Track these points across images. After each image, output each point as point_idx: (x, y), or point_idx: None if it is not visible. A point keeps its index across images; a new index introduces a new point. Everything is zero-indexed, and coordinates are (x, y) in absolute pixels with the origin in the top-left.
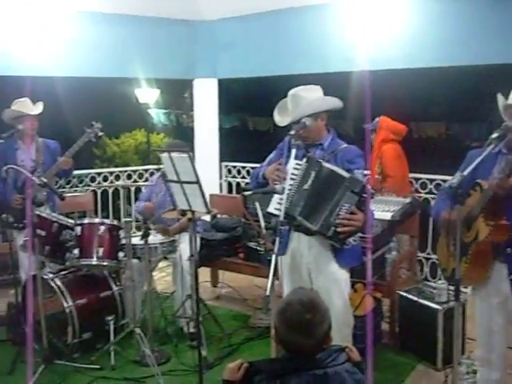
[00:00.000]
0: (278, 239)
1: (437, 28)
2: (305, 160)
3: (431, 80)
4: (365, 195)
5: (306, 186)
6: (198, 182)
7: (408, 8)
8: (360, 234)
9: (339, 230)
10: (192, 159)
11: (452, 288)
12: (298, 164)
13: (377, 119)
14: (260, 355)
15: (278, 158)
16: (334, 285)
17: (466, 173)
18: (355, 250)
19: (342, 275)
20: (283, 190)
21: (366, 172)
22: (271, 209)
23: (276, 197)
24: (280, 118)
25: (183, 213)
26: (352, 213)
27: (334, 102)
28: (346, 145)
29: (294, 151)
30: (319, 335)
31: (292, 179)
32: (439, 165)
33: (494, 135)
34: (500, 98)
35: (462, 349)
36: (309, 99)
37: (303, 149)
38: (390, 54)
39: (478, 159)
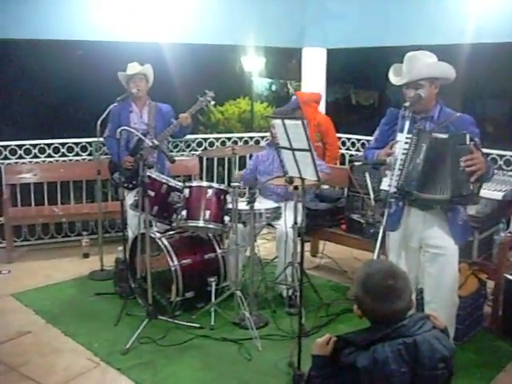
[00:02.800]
0: (387, 211)
1: None
2: (415, 132)
3: None
4: (474, 141)
5: (418, 160)
6: (310, 150)
7: None
8: (470, 213)
9: (467, 169)
10: (305, 126)
11: None
12: (408, 138)
13: (294, 97)
14: (357, 327)
15: (387, 132)
16: (446, 260)
17: None
18: (467, 226)
19: (455, 251)
20: (395, 162)
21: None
22: (384, 186)
23: (389, 174)
24: (396, 78)
25: (291, 180)
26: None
27: (451, 71)
28: (457, 114)
29: (407, 123)
30: (404, 299)
31: (404, 154)
32: None
33: None
34: None
35: None
36: (427, 62)
37: (412, 122)
38: (501, 25)
39: None
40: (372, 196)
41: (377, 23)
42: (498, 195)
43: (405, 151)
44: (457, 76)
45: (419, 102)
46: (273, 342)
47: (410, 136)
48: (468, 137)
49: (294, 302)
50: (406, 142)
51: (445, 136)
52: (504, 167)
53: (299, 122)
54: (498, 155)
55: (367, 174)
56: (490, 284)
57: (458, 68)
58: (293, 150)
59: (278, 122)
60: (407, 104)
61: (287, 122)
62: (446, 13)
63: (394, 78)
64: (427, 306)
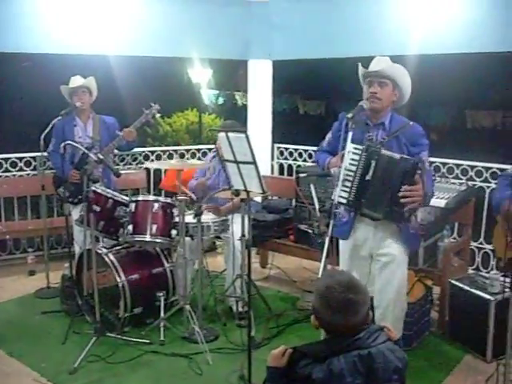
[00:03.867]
0: (332, 222)
1: (494, 11)
2: (364, 148)
3: (490, 66)
4: (419, 171)
5: (367, 177)
6: (254, 163)
7: None
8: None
9: (402, 200)
10: (249, 139)
11: (507, 279)
12: (356, 148)
13: None
14: (308, 337)
15: (340, 138)
16: (396, 267)
17: None
18: (417, 235)
19: (405, 258)
20: (339, 173)
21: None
22: (336, 197)
23: (340, 184)
24: (363, 70)
25: (237, 193)
26: (411, 185)
27: (409, 92)
28: (410, 122)
29: (350, 134)
30: (363, 313)
31: (351, 164)
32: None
33: None
34: None
35: None
36: (393, 64)
37: (362, 130)
38: (444, 37)
39: None
40: (317, 207)
41: (321, 35)
42: (441, 203)
43: (353, 162)
44: None
45: (374, 102)
46: (224, 356)
47: (359, 147)
48: (418, 165)
49: (244, 315)
50: (354, 153)
51: (396, 156)
52: (447, 175)
53: (243, 135)
54: (440, 163)
55: (312, 185)
56: (437, 290)
57: None
58: (237, 162)
59: (222, 135)
60: (350, 115)
61: (231, 135)
62: (388, 25)
63: (361, 70)
64: (377, 311)
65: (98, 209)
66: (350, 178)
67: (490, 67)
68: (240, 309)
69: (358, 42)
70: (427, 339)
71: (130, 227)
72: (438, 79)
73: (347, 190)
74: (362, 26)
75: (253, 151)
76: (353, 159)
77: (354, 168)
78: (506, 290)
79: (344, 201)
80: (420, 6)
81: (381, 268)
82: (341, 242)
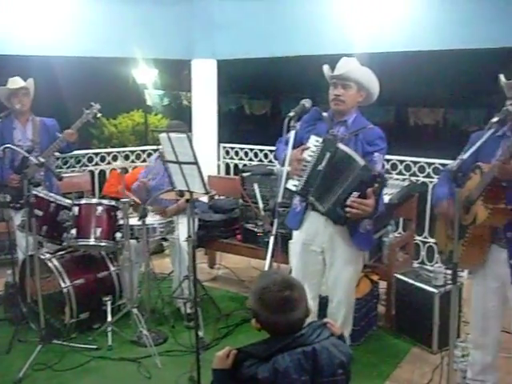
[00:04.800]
0: (276, 221)
1: (438, 10)
2: (322, 140)
3: (432, 64)
4: (376, 184)
5: (320, 167)
6: (196, 163)
7: None
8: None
9: (348, 215)
10: (191, 139)
11: (449, 271)
12: (317, 141)
13: None
14: (257, 336)
15: (304, 130)
16: (347, 265)
17: (465, 156)
18: (369, 235)
19: (358, 257)
20: (281, 172)
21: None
22: (289, 185)
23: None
24: (328, 71)
25: (181, 194)
26: (364, 197)
27: (377, 91)
28: (370, 125)
29: (292, 133)
30: (301, 309)
31: (310, 156)
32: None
33: (494, 119)
34: (501, 77)
35: (458, 332)
36: (360, 67)
37: (326, 125)
38: (387, 36)
39: (478, 143)
40: (261, 206)
41: (265, 34)
42: (385, 199)
43: (311, 153)
44: None
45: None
46: (173, 358)
47: (318, 139)
48: (376, 179)
49: (193, 316)
50: (315, 145)
51: (359, 161)
52: (391, 171)
53: (184, 136)
54: (384, 159)
55: (255, 185)
56: (383, 284)
57: None
58: (179, 163)
59: (163, 135)
60: (291, 114)
61: (172, 135)
62: (331, 24)
63: (327, 71)
64: (330, 306)
65: (40, 213)
66: (305, 168)
67: (431, 65)
68: (188, 310)
69: (301, 41)
70: (375, 333)
71: (74, 231)
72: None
73: (299, 178)
74: (306, 24)
75: (194, 151)
76: (312, 151)
77: (310, 159)
78: (449, 282)
79: (294, 188)
80: (361, 4)
81: (330, 265)
82: (293, 236)
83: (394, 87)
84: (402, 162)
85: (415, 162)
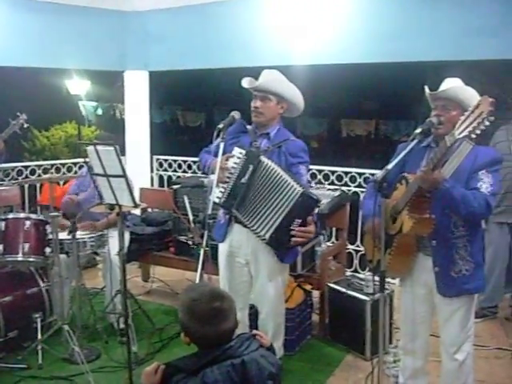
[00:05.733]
0: (206, 233)
1: (369, 24)
2: (245, 152)
3: (364, 76)
4: (316, 208)
5: (243, 180)
6: (124, 176)
7: (342, 3)
8: None
9: (292, 243)
10: (118, 152)
11: (377, 279)
12: (240, 153)
13: None
14: (191, 349)
15: (228, 142)
16: (271, 277)
17: (389, 167)
18: (293, 248)
19: (282, 269)
20: (211, 183)
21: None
22: (213, 198)
23: (217, 186)
24: (247, 84)
25: (112, 207)
26: (304, 224)
27: (300, 99)
28: (292, 138)
29: (222, 145)
30: (232, 319)
31: (233, 167)
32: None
33: (418, 130)
34: (426, 89)
35: (390, 338)
36: (280, 79)
37: (250, 138)
38: (321, 48)
39: (402, 154)
40: (191, 218)
41: (198, 46)
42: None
43: (235, 165)
44: None
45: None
46: (106, 375)
47: (242, 151)
48: (317, 204)
49: (126, 331)
50: (238, 157)
51: (297, 187)
52: (323, 181)
53: (112, 149)
54: (317, 170)
55: (185, 197)
56: (317, 294)
57: None
58: (107, 176)
59: (90, 148)
60: (220, 126)
61: (100, 148)
62: (265, 36)
63: (246, 83)
64: (260, 317)
65: None
66: (228, 180)
67: (363, 78)
68: (121, 325)
69: (235, 53)
70: (309, 343)
71: (1, 247)
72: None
73: (223, 190)
74: (239, 37)
75: (122, 164)
76: (235, 163)
77: (233, 171)
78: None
79: (217, 200)
80: (295, 18)
81: (255, 277)
82: (219, 248)
83: (328, 99)
84: (333, 172)
85: (346, 173)
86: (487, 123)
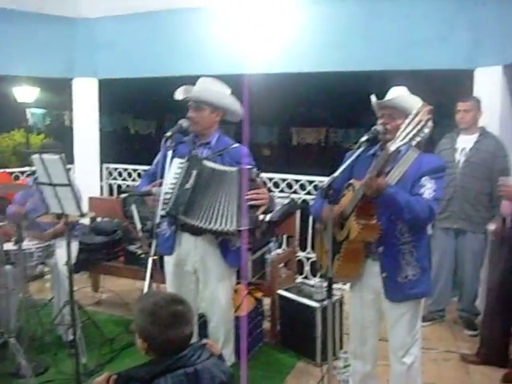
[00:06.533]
0: (154, 242)
1: (317, 33)
2: (186, 159)
3: (313, 85)
4: (260, 177)
5: (188, 186)
6: (70, 185)
7: (289, 12)
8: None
9: (251, 203)
10: (64, 161)
11: (327, 284)
12: (180, 163)
13: None
14: (142, 360)
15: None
16: (221, 283)
17: (336, 174)
18: (239, 252)
19: (230, 274)
20: (159, 192)
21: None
22: (160, 211)
23: (162, 198)
24: (181, 95)
25: (59, 216)
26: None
27: (235, 106)
28: (235, 144)
29: (170, 153)
30: (193, 323)
31: (175, 178)
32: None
33: (364, 138)
34: (373, 98)
35: (341, 344)
36: (213, 89)
37: (188, 148)
38: (271, 57)
39: (348, 161)
40: (139, 227)
41: (147, 54)
42: (266, 217)
43: (176, 175)
44: None
45: (193, 126)
46: None
47: (182, 161)
48: (255, 172)
49: (75, 342)
50: (179, 167)
51: (232, 169)
52: (273, 189)
53: (57, 157)
54: (267, 178)
55: (133, 206)
56: (268, 301)
57: None
58: (53, 185)
59: (35, 157)
60: (168, 133)
61: (45, 157)
62: (215, 44)
63: (180, 94)
64: (210, 325)
65: None
66: (171, 190)
67: (313, 86)
68: (70, 337)
69: (185, 62)
70: (261, 350)
71: None
72: (264, 98)
73: (167, 201)
74: (189, 45)
75: (68, 173)
76: (176, 172)
77: (175, 181)
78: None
79: (163, 212)
80: (246, 27)
81: (205, 284)
82: (165, 259)
83: (279, 107)
84: (284, 180)
85: (297, 180)
86: (426, 130)
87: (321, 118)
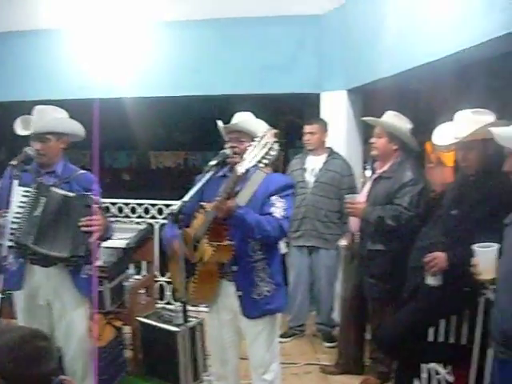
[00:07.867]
0: (2, 277)
1: (172, 57)
2: (34, 186)
3: (172, 109)
4: (98, 204)
5: (36, 213)
6: None
7: (143, 36)
8: (98, 264)
9: (84, 229)
10: None
11: (189, 308)
12: (26, 191)
13: None
14: None
15: (6, 189)
16: (76, 312)
17: (185, 199)
18: (91, 279)
19: (83, 304)
20: (5, 223)
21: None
22: (6, 242)
23: (8, 228)
24: (23, 130)
25: None
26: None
27: (78, 127)
28: (80, 171)
29: (16, 182)
30: (55, 358)
31: (20, 207)
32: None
33: (213, 162)
34: (219, 123)
35: (205, 366)
36: (55, 116)
37: (32, 176)
38: (126, 81)
39: (198, 185)
40: None
41: None
42: (122, 243)
43: (22, 204)
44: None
45: (40, 158)
46: None
47: (28, 189)
48: (92, 199)
49: None
50: (24, 195)
51: (71, 194)
52: (130, 214)
53: None
54: (123, 203)
55: None
56: (129, 329)
57: (86, 123)
58: None
59: None
60: (14, 162)
61: None
62: (65, 69)
63: (20, 129)
64: (65, 359)
65: None
66: (18, 220)
67: (171, 110)
68: None
69: (35, 85)
70: (125, 380)
71: None
72: (120, 122)
73: (14, 231)
74: (42, 69)
75: None
76: (21, 201)
77: (21, 210)
78: (188, 319)
79: (11, 243)
80: (100, 50)
81: (59, 316)
82: (15, 293)
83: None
84: (140, 205)
85: (153, 205)
86: (273, 153)
87: (179, 141)
